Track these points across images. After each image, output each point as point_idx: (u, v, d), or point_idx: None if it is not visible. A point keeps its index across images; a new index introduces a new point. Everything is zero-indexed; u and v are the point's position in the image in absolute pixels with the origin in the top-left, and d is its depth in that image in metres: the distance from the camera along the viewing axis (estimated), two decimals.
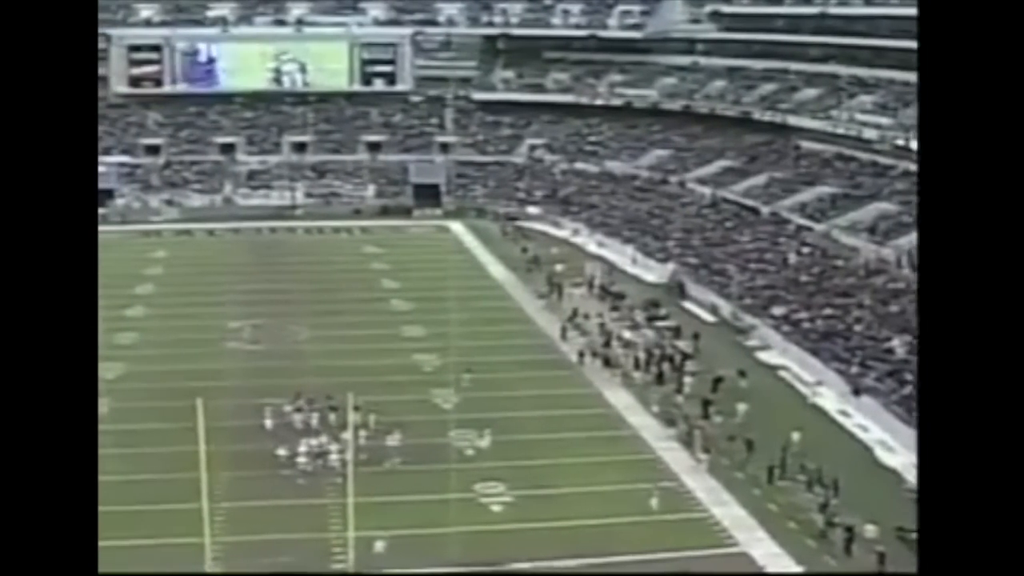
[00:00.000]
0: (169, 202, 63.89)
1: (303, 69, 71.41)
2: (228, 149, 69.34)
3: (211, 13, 72.20)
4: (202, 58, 69.57)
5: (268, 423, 30.96)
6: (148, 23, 71.73)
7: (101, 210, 67.32)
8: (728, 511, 26.11)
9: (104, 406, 32.75)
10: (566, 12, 73.94)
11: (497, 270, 51.83)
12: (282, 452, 28.58)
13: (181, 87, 70.43)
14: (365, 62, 73.29)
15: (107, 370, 35.34)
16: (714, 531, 26.07)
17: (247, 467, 27.56)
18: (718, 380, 35.24)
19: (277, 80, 72.12)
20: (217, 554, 23.51)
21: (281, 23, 72.06)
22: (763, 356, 39.69)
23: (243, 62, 70.28)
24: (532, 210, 62.87)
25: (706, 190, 58.43)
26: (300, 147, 70.16)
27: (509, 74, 75.84)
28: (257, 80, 70.37)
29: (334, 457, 28.17)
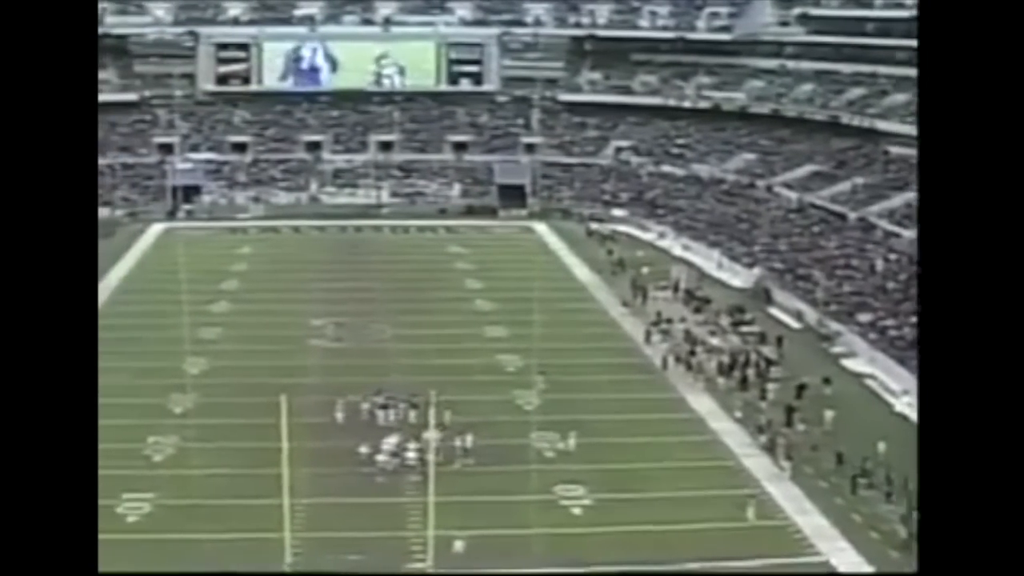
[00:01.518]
0: (255, 199, 64.18)
1: (402, 72, 71.39)
2: (314, 147, 69.59)
3: (299, 12, 72.61)
4: (300, 58, 69.97)
5: (349, 420, 31.03)
6: (236, 22, 72.16)
7: (188, 206, 70.15)
8: (810, 520, 26.26)
9: (189, 401, 33.18)
10: (654, 14, 73.53)
11: (581, 272, 51.03)
12: (363, 449, 28.62)
13: (271, 85, 70.69)
14: (452, 62, 73.39)
15: (191, 365, 35.36)
16: (795, 539, 25.74)
17: (328, 464, 27.63)
18: (802, 387, 34.78)
19: (377, 82, 71.80)
20: (297, 550, 23.64)
21: (368, 22, 72.29)
22: (848, 363, 38.80)
23: (343, 63, 70.54)
24: (617, 212, 62.56)
25: (793, 195, 57.77)
26: (386, 146, 70.59)
27: (596, 75, 75.55)
28: (356, 81, 70.56)
29: (414, 455, 28.17)
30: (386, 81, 73.51)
